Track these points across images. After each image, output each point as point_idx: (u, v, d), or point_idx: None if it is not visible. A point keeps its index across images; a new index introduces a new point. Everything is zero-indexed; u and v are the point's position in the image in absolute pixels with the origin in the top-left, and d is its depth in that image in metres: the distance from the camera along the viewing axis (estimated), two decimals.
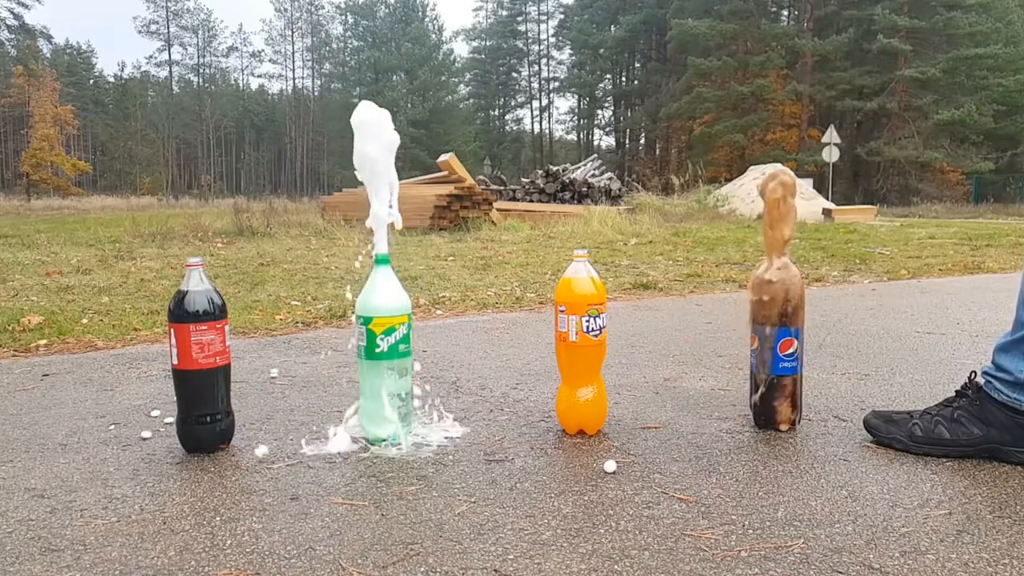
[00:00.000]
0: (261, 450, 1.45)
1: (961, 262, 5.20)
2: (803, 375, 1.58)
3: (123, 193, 37.04)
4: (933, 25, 30.14)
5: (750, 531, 1.10)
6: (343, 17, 60.70)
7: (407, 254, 5.65)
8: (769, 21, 36.65)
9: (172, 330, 1.41)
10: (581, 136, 56.71)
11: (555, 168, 13.15)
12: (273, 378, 2.06)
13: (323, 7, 65.38)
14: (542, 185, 12.57)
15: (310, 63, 61.89)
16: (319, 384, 1.98)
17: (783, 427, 1.55)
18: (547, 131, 60.44)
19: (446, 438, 1.53)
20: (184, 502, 1.22)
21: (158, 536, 1.10)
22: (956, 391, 1.47)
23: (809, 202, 13.17)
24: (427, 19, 57.73)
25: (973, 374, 1.46)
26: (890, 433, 1.45)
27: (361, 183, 1.54)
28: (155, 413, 1.71)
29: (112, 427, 1.62)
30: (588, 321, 1.49)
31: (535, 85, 58.71)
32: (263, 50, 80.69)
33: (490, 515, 1.16)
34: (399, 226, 1.54)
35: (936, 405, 1.47)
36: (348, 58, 58.60)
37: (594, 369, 1.55)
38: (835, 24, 34.36)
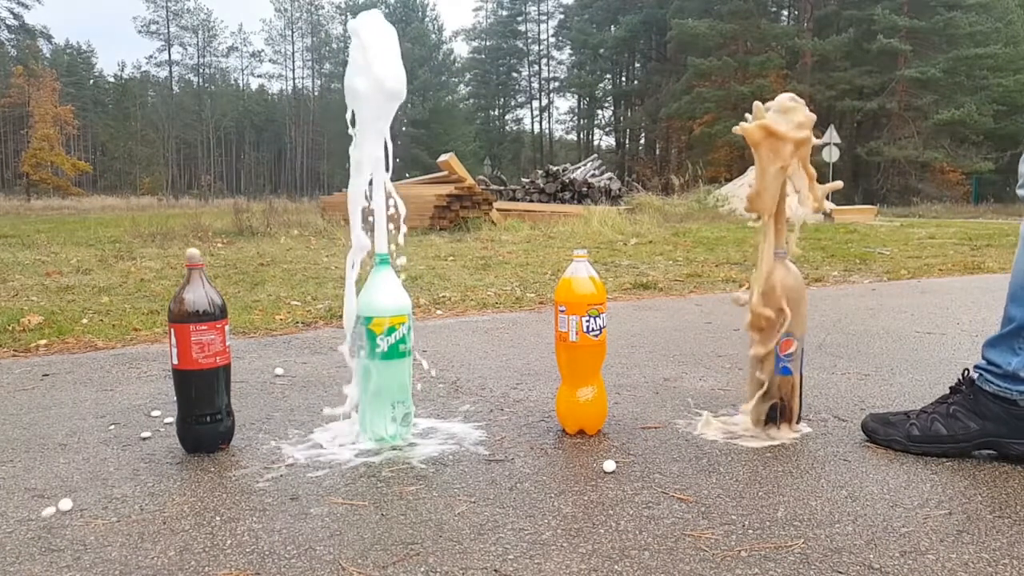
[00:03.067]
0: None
1: (961, 262, 5.20)
2: (803, 375, 1.58)
3: (123, 193, 37.00)
4: (933, 25, 30.13)
5: (750, 531, 1.10)
6: (343, 17, 60.68)
7: (407, 254, 5.64)
8: (769, 21, 36.63)
9: (172, 330, 1.41)
10: (581, 136, 56.65)
11: (555, 168, 13.15)
12: (279, 375, 2.06)
13: (323, 7, 65.21)
14: (542, 185, 12.57)
15: (310, 63, 61.89)
16: (319, 384, 1.98)
17: (784, 428, 1.55)
18: (547, 131, 60.38)
19: (446, 438, 1.53)
20: (184, 502, 1.22)
21: (158, 536, 1.10)
22: (950, 388, 1.47)
23: None
24: (427, 19, 57.77)
25: (966, 371, 1.46)
26: (888, 435, 1.45)
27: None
28: (155, 413, 1.71)
29: (112, 427, 1.62)
30: (588, 321, 1.49)
31: (535, 85, 58.67)
32: (263, 50, 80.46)
33: (490, 515, 1.16)
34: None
35: (931, 403, 1.48)
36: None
37: (594, 369, 1.55)
38: (835, 24, 34.35)
